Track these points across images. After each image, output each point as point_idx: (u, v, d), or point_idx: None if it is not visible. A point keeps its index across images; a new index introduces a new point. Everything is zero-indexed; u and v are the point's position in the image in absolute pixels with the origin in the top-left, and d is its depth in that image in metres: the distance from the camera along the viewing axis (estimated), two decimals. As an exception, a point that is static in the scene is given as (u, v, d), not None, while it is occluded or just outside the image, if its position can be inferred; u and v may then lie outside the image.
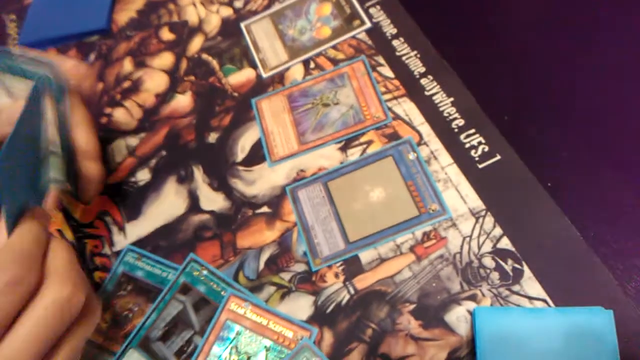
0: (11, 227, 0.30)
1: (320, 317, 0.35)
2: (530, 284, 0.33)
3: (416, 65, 0.44)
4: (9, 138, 0.30)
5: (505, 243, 0.35)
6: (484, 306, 0.33)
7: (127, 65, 0.52)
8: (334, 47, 0.47)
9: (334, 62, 0.46)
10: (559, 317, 0.30)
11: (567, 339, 0.30)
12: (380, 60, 0.45)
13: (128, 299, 0.39)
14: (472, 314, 0.33)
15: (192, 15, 0.53)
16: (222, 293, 0.37)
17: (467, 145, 0.39)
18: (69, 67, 0.39)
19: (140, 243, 0.41)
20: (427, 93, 0.42)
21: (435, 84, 0.42)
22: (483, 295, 0.34)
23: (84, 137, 0.37)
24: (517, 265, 0.34)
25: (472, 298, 0.34)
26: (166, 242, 0.41)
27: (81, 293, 0.30)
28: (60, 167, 0.37)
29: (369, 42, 0.46)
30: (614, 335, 0.29)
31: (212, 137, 0.45)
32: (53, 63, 0.35)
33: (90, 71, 0.39)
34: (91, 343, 0.38)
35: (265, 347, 0.35)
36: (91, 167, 0.37)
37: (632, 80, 0.39)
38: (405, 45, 0.45)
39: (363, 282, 0.36)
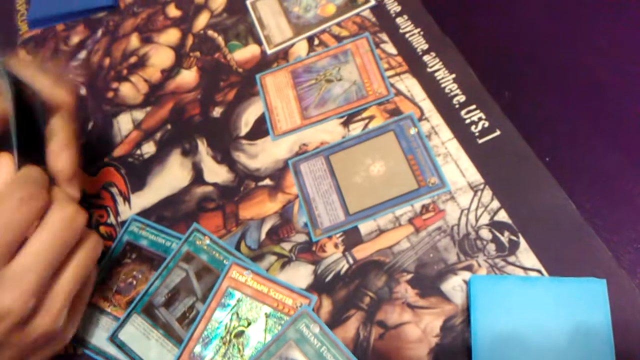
0: (19, 161, 0.33)
1: (319, 286, 0.36)
2: (526, 255, 0.34)
3: (419, 43, 0.44)
4: None
5: (503, 216, 0.35)
6: (479, 274, 0.33)
7: (134, 41, 0.52)
8: (338, 25, 0.47)
9: (338, 39, 0.46)
10: (553, 285, 0.31)
11: (561, 307, 0.30)
12: (384, 37, 0.45)
13: (132, 266, 0.40)
14: (467, 283, 0.34)
15: (198, -8, 0.54)
16: (224, 262, 0.38)
17: (468, 121, 0.39)
18: (56, 93, 0.37)
19: (144, 213, 0.42)
20: (429, 69, 0.42)
21: (437, 60, 0.43)
22: (479, 265, 0.34)
23: (64, 163, 0.36)
24: (513, 237, 0.34)
25: (469, 268, 0.34)
26: (170, 212, 0.42)
27: (83, 213, 0.34)
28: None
29: (373, 19, 0.47)
30: (606, 304, 0.30)
31: (217, 112, 0.46)
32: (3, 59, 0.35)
33: (69, 89, 0.38)
34: (96, 308, 0.39)
35: (266, 313, 0.36)
36: (71, 191, 0.37)
37: (630, 56, 0.39)
38: (409, 22, 0.45)
39: (362, 252, 0.37)
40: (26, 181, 0.32)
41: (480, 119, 0.39)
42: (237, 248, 0.39)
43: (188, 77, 0.49)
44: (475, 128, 0.39)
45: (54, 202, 0.33)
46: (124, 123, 0.48)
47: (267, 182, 0.41)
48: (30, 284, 0.30)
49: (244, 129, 0.44)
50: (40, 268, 0.31)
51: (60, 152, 0.36)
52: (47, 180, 0.34)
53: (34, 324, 0.31)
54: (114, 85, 0.50)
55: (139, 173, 0.44)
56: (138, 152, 0.46)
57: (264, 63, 0.47)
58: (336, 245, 0.37)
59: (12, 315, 0.30)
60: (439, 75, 0.42)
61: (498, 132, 0.38)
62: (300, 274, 0.37)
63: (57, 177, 0.36)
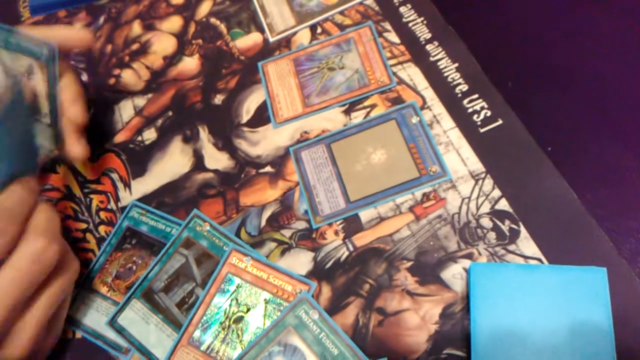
0: (1, 188, 0.32)
1: (319, 273, 0.36)
2: (526, 244, 0.34)
3: (422, 32, 0.44)
4: (6, 106, 0.31)
5: (504, 204, 0.35)
6: (479, 262, 0.33)
7: (136, 28, 0.52)
8: (342, 13, 0.47)
9: (341, 27, 0.46)
10: (553, 274, 0.31)
11: (561, 295, 0.30)
12: (387, 26, 0.45)
13: (132, 252, 0.40)
14: (467, 270, 0.34)
15: (201, -20, 0.53)
16: (224, 248, 0.38)
17: (470, 110, 0.39)
18: (73, 34, 0.40)
19: (145, 199, 0.42)
20: (432, 58, 0.42)
21: (440, 49, 0.42)
22: (479, 254, 0.34)
23: (76, 112, 0.39)
24: (514, 226, 0.34)
25: (469, 256, 0.34)
26: (170, 198, 0.42)
27: (56, 246, 0.32)
28: (50, 135, 0.37)
29: (376, 8, 0.46)
30: (606, 292, 0.30)
31: (218, 99, 0.46)
32: (52, 44, 0.36)
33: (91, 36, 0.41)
34: (96, 293, 0.39)
35: (265, 299, 0.36)
36: (77, 149, 0.39)
37: (633, 45, 0.39)
38: (412, 11, 0.45)
39: (362, 239, 0.37)
40: None
41: (482, 108, 0.39)
42: (237, 234, 0.39)
43: (190, 64, 0.48)
44: (477, 117, 0.39)
45: (25, 234, 0.31)
46: (125, 109, 0.47)
47: (268, 169, 0.41)
48: None
49: (246, 117, 0.44)
50: (6, 304, 0.30)
51: (73, 102, 0.38)
52: (29, 205, 0.32)
53: (2, 355, 0.31)
54: (116, 71, 0.50)
55: (139, 159, 0.44)
56: (139, 138, 0.45)
57: (267, 51, 0.47)
58: (336, 233, 0.37)
59: None
60: (442, 64, 0.42)
61: (500, 122, 0.38)
62: (300, 261, 0.37)
63: (68, 127, 0.38)
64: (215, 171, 0.42)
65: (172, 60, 0.49)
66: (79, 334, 0.38)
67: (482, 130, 0.38)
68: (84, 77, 0.50)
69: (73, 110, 0.39)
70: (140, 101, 0.47)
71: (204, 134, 0.44)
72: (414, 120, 0.40)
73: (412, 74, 0.42)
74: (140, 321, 0.37)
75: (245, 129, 0.43)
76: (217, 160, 0.43)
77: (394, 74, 0.42)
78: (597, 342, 0.29)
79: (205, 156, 0.43)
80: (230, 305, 0.36)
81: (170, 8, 0.53)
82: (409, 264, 0.35)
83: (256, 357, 0.34)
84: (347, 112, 0.42)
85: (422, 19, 0.45)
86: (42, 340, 0.34)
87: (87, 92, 0.48)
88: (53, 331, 0.35)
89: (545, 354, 0.29)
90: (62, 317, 0.36)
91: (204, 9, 0.52)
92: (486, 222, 0.35)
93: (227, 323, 0.35)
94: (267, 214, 0.39)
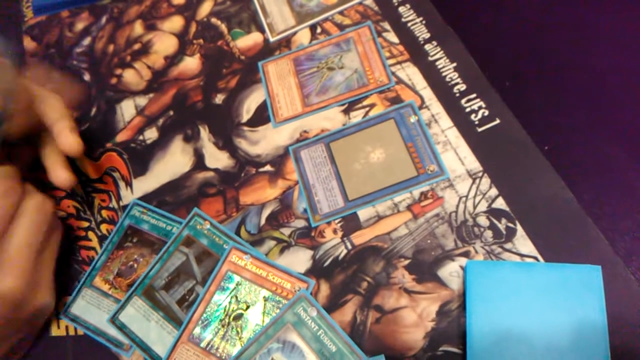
0: None
1: (317, 271, 0.37)
2: (523, 242, 0.34)
3: (421, 31, 0.44)
4: None
5: (500, 203, 0.36)
6: (476, 260, 0.34)
7: (138, 28, 0.53)
8: (341, 13, 0.47)
9: (341, 27, 0.47)
10: (549, 271, 0.31)
11: (556, 293, 0.30)
12: (386, 26, 0.45)
13: (133, 250, 0.41)
14: (464, 268, 0.34)
15: (202, -20, 0.54)
16: (224, 246, 0.39)
17: (468, 110, 0.39)
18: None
19: (146, 198, 0.43)
20: (430, 58, 0.43)
21: (439, 49, 0.43)
22: (476, 252, 0.35)
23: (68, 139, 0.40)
24: (510, 225, 0.35)
25: (466, 254, 0.35)
26: (171, 197, 0.42)
27: (50, 200, 0.38)
28: None
29: (376, 8, 0.47)
30: (601, 290, 0.30)
31: (219, 99, 0.46)
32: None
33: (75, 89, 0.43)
34: (97, 291, 0.40)
35: (264, 297, 0.36)
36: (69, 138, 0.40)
37: (631, 45, 0.39)
38: (411, 11, 0.45)
39: (360, 238, 0.37)
40: (4, 176, 0.35)
41: (480, 107, 0.39)
42: (237, 233, 0.39)
43: (191, 64, 0.49)
44: (475, 117, 0.39)
45: (25, 193, 0.36)
46: (127, 109, 0.48)
47: (268, 168, 0.41)
48: (24, 266, 0.34)
49: (246, 116, 0.44)
50: (29, 250, 0.35)
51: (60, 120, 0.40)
52: (20, 174, 0.37)
53: (31, 299, 0.35)
54: (118, 71, 0.50)
55: (141, 158, 0.45)
56: (140, 137, 0.46)
57: (267, 51, 0.47)
58: (335, 231, 0.38)
59: (15, 295, 0.33)
60: (440, 64, 0.42)
61: (498, 121, 0.38)
62: (299, 259, 0.37)
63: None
64: (215, 170, 0.43)
65: (173, 60, 0.50)
66: (80, 331, 0.39)
67: (479, 130, 0.38)
68: (86, 77, 0.51)
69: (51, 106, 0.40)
70: (142, 101, 0.48)
71: (204, 133, 0.45)
72: (413, 119, 0.40)
73: (411, 73, 0.42)
74: (141, 318, 0.38)
75: (245, 128, 0.44)
76: (217, 159, 0.43)
77: (393, 73, 0.43)
78: (591, 339, 0.29)
79: (206, 155, 0.43)
80: (229, 302, 0.36)
81: (171, 8, 0.53)
82: (407, 262, 0.35)
83: (255, 353, 0.34)
84: (346, 112, 0.42)
85: (420, 18, 0.45)
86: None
87: (89, 91, 0.49)
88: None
89: (540, 350, 0.29)
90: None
91: (205, 9, 0.52)
92: (483, 220, 0.35)
93: (226, 320, 0.36)
94: (266, 212, 0.40)
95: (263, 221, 0.39)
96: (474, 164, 0.37)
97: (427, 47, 0.43)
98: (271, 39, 0.48)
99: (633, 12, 0.40)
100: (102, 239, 0.42)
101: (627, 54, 0.39)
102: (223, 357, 0.35)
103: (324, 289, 0.36)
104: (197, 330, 0.36)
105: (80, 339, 0.39)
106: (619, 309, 0.31)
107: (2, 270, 0.33)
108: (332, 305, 0.35)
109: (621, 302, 0.31)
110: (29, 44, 0.55)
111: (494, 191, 0.36)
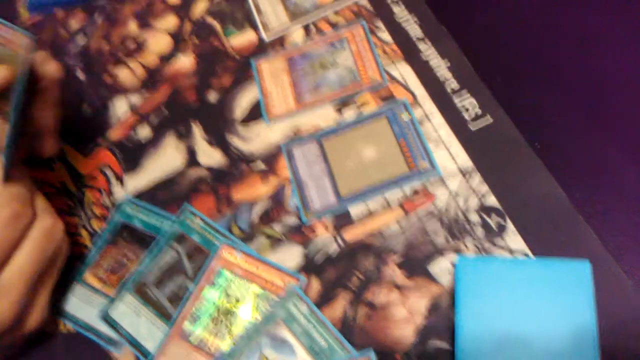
0: (6, 173, 0.33)
1: (309, 267, 0.36)
2: (513, 239, 0.34)
3: (414, 30, 0.44)
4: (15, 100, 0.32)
5: (492, 200, 0.36)
6: (466, 255, 0.34)
7: (132, 26, 0.53)
8: (335, 12, 0.48)
9: (334, 26, 0.47)
10: (538, 266, 0.31)
11: (545, 287, 0.30)
12: (380, 25, 0.46)
13: (125, 246, 0.41)
14: (454, 264, 0.34)
15: (197, -20, 0.54)
16: (216, 242, 0.38)
17: (460, 107, 0.40)
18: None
19: (138, 195, 0.43)
20: (423, 57, 0.43)
21: (432, 48, 0.43)
22: (467, 248, 0.35)
23: (47, 115, 0.38)
24: (501, 221, 0.35)
25: (456, 251, 0.35)
26: (164, 194, 0.42)
27: (61, 223, 0.36)
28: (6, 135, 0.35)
29: (369, 7, 0.47)
30: (590, 284, 0.30)
31: (213, 97, 0.46)
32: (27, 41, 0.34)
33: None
34: (88, 287, 0.40)
35: (255, 293, 0.36)
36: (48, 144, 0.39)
37: (622, 44, 0.39)
38: (405, 11, 0.46)
39: (352, 234, 0.37)
40: (12, 198, 0.33)
41: (472, 105, 0.39)
42: (229, 229, 0.39)
43: (185, 62, 0.49)
44: (467, 114, 0.39)
45: (36, 215, 0.34)
46: (120, 107, 0.48)
47: (260, 165, 0.41)
48: (19, 294, 0.32)
49: (239, 114, 0.44)
50: (27, 279, 0.33)
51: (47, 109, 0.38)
52: (32, 190, 0.35)
53: (23, 326, 0.34)
54: (112, 70, 0.50)
55: (133, 155, 0.45)
56: (133, 135, 0.46)
57: (261, 49, 0.47)
58: (326, 228, 0.38)
59: (4, 323, 0.32)
60: (433, 62, 0.42)
61: (489, 119, 0.39)
62: (291, 255, 0.37)
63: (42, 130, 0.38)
64: (208, 167, 0.43)
65: (167, 58, 0.50)
66: (71, 327, 0.39)
67: (471, 127, 0.39)
68: (81, 76, 0.51)
69: (43, 114, 0.38)
70: (136, 99, 0.48)
71: (197, 130, 0.45)
72: (405, 117, 0.40)
73: (404, 72, 0.42)
74: (132, 314, 0.38)
75: (238, 125, 0.44)
76: (209, 156, 0.43)
77: (386, 72, 0.43)
78: (580, 334, 0.29)
79: (198, 152, 0.43)
80: (220, 298, 0.36)
81: (166, 7, 0.53)
82: (398, 258, 0.35)
83: (246, 348, 0.34)
84: (340, 110, 0.42)
85: (414, 17, 0.45)
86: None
87: (83, 89, 0.49)
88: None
89: (529, 345, 0.29)
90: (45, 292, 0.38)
91: (199, 8, 0.52)
92: (474, 217, 0.35)
93: (217, 316, 0.36)
94: (258, 209, 0.40)
95: (255, 218, 0.39)
96: (465, 161, 0.37)
97: (421, 45, 0.43)
98: (265, 38, 0.48)
99: (628, 13, 0.40)
100: (93, 235, 0.42)
101: (621, 54, 0.39)
102: (213, 353, 0.35)
103: (315, 285, 0.36)
104: (188, 325, 0.36)
105: (70, 335, 0.38)
106: (609, 305, 0.31)
107: None
108: (323, 301, 0.35)
109: (612, 298, 0.31)
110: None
111: (485, 188, 0.36)
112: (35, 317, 0.35)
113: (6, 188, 0.33)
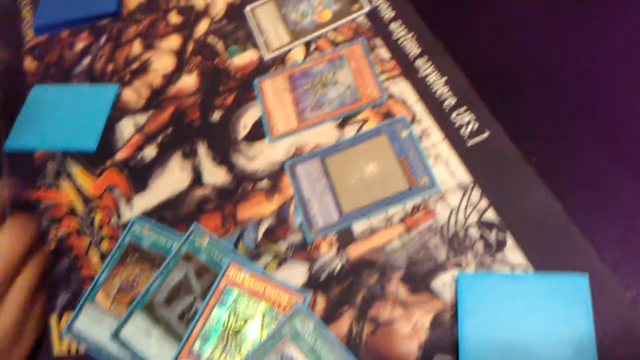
0: None
1: (314, 284, 0.37)
2: (513, 253, 0.35)
3: (412, 47, 0.45)
4: None
5: (491, 215, 0.36)
6: (467, 272, 0.35)
7: (137, 47, 0.54)
8: (334, 30, 0.48)
9: (334, 44, 0.48)
10: (537, 281, 0.32)
11: (544, 301, 0.31)
12: (378, 42, 0.46)
13: (134, 266, 0.41)
14: (455, 280, 0.35)
15: (198, 0, 0.55)
16: (223, 261, 0.39)
17: (458, 123, 0.40)
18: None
19: (146, 215, 0.44)
20: (421, 73, 0.44)
21: (429, 64, 0.44)
22: (467, 263, 0.35)
23: None
24: (501, 236, 0.36)
25: (457, 266, 0.35)
26: (171, 214, 0.43)
27: (34, 221, 0.40)
28: None
29: (368, 25, 0.48)
30: (588, 298, 0.31)
31: (216, 116, 0.47)
32: None
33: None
34: (99, 307, 0.41)
35: (262, 311, 0.37)
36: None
37: (620, 58, 0.40)
38: (403, 27, 0.47)
39: (355, 251, 0.38)
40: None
41: (470, 121, 0.40)
42: (235, 247, 0.40)
43: (188, 81, 0.50)
44: (465, 130, 0.40)
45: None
46: (126, 127, 0.49)
47: (265, 183, 0.42)
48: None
49: (242, 132, 0.45)
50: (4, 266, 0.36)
51: None
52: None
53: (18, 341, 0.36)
54: (117, 90, 0.52)
55: (140, 176, 0.46)
56: (140, 155, 0.47)
57: (262, 68, 0.48)
58: (330, 245, 0.38)
59: None
60: (431, 78, 0.43)
61: (487, 134, 0.39)
62: (296, 273, 0.38)
63: None
64: (213, 186, 0.43)
65: (171, 78, 0.51)
66: (82, 348, 0.39)
67: (469, 143, 0.39)
68: (86, 97, 0.52)
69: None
70: (141, 119, 0.49)
71: (202, 149, 0.46)
72: (404, 134, 0.41)
73: (403, 88, 0.43)
74: (142, 334, 0.39)
75: (242, 144, 0.45)
76: (215, 175, 0.44)
77: (385, 88, 0.44)
78: (579, 347, 0.30)
79: (204, 172, 0.44)
80: (228, 317, 0.37)
81: (169, 27, 0.54)
82: (401, 274, 0.36)
83: (254, 366, 0.35)
84: (341, 127, 0.43)
85: (411, 34, 0.46)
86: (21, 326, 0.37)
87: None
88: (31, 323, 0.39)
89: (529, 358, 0.30)
90: (38, 312, 0.40)
91: (202, 28, 0.53)
92: (474, 232, 0.36)
93: (226, 335, 0.37)
94: (263, 227, 0.41)
95: (260, 236, 0.40)
96: (464, 177, 0.38)
97: (418, 62, 0.44)
98: (266, 57, 0.49)
99: (623, 20, 0.41)
100: (103, 256, 0.43)
101: (618, 67, 0.40)
102: (222, 371, 0.36)
103: (320, 302, 0.37)
104: (197, 345, 0.37)
105: (81, 357, 0.39)
106: (607, 318, 0.32)
107: None
108: (329, 318, 0.36)
109: (610, 310, 0.32)
110: (29, 64, 0.56)
111: (484, 203, 0.37)
112: (30, 330, 0.37)
113: None
